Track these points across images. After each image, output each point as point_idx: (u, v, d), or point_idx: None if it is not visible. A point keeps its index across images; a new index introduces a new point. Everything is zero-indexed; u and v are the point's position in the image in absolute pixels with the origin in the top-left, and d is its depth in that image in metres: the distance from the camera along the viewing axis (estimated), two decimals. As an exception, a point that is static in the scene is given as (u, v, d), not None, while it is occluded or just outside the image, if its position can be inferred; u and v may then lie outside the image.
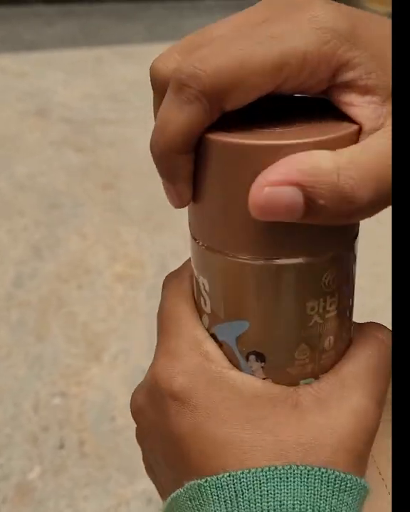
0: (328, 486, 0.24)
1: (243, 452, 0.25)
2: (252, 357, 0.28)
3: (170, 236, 1.84)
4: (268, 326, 0.27)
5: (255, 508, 0.24)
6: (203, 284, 0.28)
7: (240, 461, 0.25)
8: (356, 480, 0.24)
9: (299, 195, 0.21)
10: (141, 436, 0.30)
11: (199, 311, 0.29)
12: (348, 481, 0.24)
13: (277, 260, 0.26)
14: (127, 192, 2.11)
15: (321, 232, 0.26)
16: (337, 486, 0.24)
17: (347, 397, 0.26)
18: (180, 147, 0.24)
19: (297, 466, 0.24)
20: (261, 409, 0.26)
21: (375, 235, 1.87)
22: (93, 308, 1.56)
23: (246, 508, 0.24)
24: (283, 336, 0.27)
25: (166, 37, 3.79)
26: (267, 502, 0.24)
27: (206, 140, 0.25)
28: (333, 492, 0.24)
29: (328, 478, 0.24)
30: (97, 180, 2.17)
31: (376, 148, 0.22)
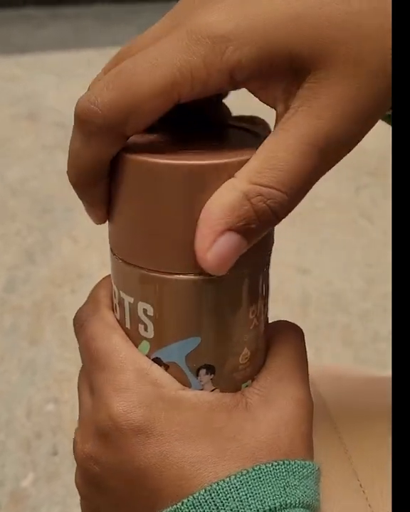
0: (294, 475, 0.26)
1: (215, 465, 0.26)
2: (202, 371, 0.28)
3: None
4: (219, 337, 0.28)
5: None
6: (144, 309, 0.28)
7: (214, 473, 0.25)
8: (312, 464, 0.27)
9: (232, 235, 0.23)
10: (89, 485, 0.29)
11: (134, 339, 0.29)
12: (308, 467, 0.26)
13: (228, 273, 0.26)
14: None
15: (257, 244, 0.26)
16: (299, 473, 0.26)
17: (286, 389, 0.28)
18: (90, 179, 0.26)
19: (265, 464, 0.26)
20: (219, 420, 0.27)
21: (367, 236, 1.88)
22: (86, 313, 1.55)
23: None
24: (232, 344, 0.28)
25: (158, 40, 3.78)
26: (249, 505, 0.25)
27: (122, 158, 0.25)
28: (300, 480, 0.26)
29: (292, 468, 0.26)
30: (89, 184, 2.16)
31: (269, 144, 0.23)
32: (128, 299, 0.28)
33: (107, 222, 0.29)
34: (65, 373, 1.37)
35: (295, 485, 0.26)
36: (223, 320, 0.28)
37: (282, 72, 0.23)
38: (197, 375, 0.28)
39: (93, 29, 4.25)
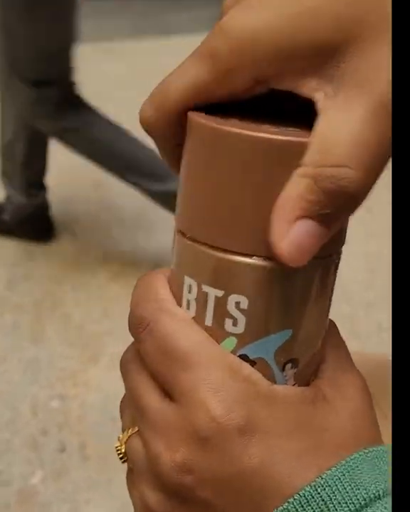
0: (383, 461, 0.26)
1: (316, 457, 0.26)
2: (288, 365, 0.27)
3: (163, 233, 1.83)
4: (309, 330, 0.27)
5: (351, 503, 0.25)
6: (236, 302, 0.26)
7: (317, 466, 0.25)
8: (385, 448, 0.27)
9: (308, 222, 0.23)
10: (173, 499, 0.27)
11: (216, 336, 0.27)
12: (388, 452, 0.27)
13: (323, 259, 0.26)
14: (118, 190, 2.10)
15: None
16: (385, 458, 0.26)
17: (351, 380, 0.28)
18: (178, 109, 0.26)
19: (358, 453, 0.26)
20: (308, 413, 0.27)
21: (367, 226, 1.87)
22: (88, 309, 1.55)
23: (342, 507, 0.25)
24: (317, 336, 0.28)
25: (150, 32, 3.78)
26: (355, 495, 0.25)
27: (218, 131, 0.24)
28: (385, 465, 0.26)
29: (380, 454, 0.26)
30: (87, 179, 2.15)
31: (331, 127, 0.23)
32: (214, 293, 0.27)
33: (189, 206, 0.27)
34: (67, 370, 1.36)
35: (385, 470, 0.26)
36: (315, 310, 0.27)
37: (310, 60, 0.23)
38: (283, 369, 0.27)
39: (85, 23, 4.22)
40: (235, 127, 0.24)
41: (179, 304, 0.28)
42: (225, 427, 0.25)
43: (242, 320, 0.27)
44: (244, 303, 0.26)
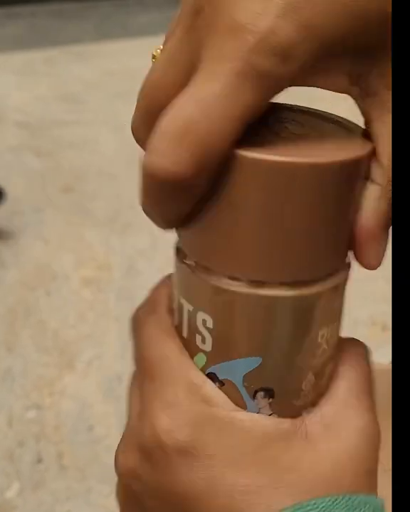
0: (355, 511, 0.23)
1: (268, 497, 0.23)
2: (260, 394, 0.25)
3: (136, 236, 1.81)
4: (282, 360, 0.25)
5: None
6: (203, 320, 0.25)
7: (266, 506, 0.23)
8: (375, 500, 0.24)
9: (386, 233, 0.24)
10: (130, 500, 0.27)
11: (190, 350, 0.26)
12: (371, 503, 0.24)
13: (298, 290, 0.24)
14: (89, 194, 2.08)
15: (336, 250, 0.24)
16: (361, 510, 0.23)
17: (351, 418, 0.25)
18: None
19: (322, 498, 0.23)
20: (276, 448, 0.24)
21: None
22: (62, 315, 1.52)
23: None
24: (295, 369, 0.26)
25: (116, 34, 3.75)
26: None
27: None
28: None
29: (353, 504, 0.23)
30: (57, 184, 2.13)
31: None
32: (187, 306, 0.26)
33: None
34: (44, 378, 1.33)
35: None
36: (291, 342, 0.25)
37: (341, 58, 0.21)
38: (254, 397, 0.25)
39: (51, 27, 4.18)
40: (280, 156, 0.21)
41: (170, 311, 0.28)
42: (165, 444, 0.24)
43: (209, 338, 0.25)
44: (209, 322, 0.25)
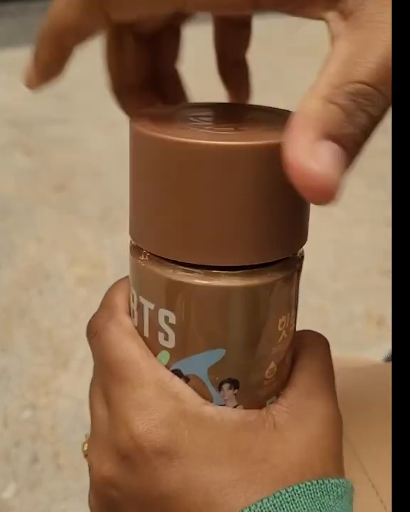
0: (329, 495, 0.24)
1: (245, 489, 0.23)
2: (225, 385, 0.26)
3: (128, 234, 1.80)
4: (245, 351, 0.26)
5: None
6: (165, 317, 0.25)
7: (245, 498, 0.23)
8: (346, 482, 0.25)
9: (330, 144, 0.19)
10: (105, 510, 0.27)
11: (153, 348, 0.26)
12: (341, 485, 0.25)
13: (252, 279, 0.24)
14: (80, 192, 2.07)
15: (289, 236, 0.25)
16: (334, 493, 0.24)
17: (315, 406, 0.26)
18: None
19: (298, 485, 0.24)
20: (246, 440, 0.25)
21: (333, 216, 1.87)
22: (57, 314, 1.52)
23: None
24: (258, 358, 0.26)
25: (107, 31, 3.73)
26: None
27: (149, 138, 0.23)
28: (334, 500, 0.24)
29: (326, 488, 0.24)
30: (48, 183, 2.12)
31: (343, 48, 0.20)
32: (148, 305, 0.26)
33: (131, 212, 0.26)
34: (39, 378, 1.33)
35: (330, 505, 0.24)
36: (251, 332, 0.25)
37: None
38: (219, 389, 0.26)
39: (40, 24, 4.16)
40: (167, 134, 0.23)
41: (129, 312, 0.28)
42: (142, 447, 0.24)
43: (172, 335, 0.25)
44: (172, 318, 0.25)
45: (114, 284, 0.30)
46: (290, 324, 0.27)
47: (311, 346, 0.29)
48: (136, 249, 0.26)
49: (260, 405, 0.27)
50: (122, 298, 0.28)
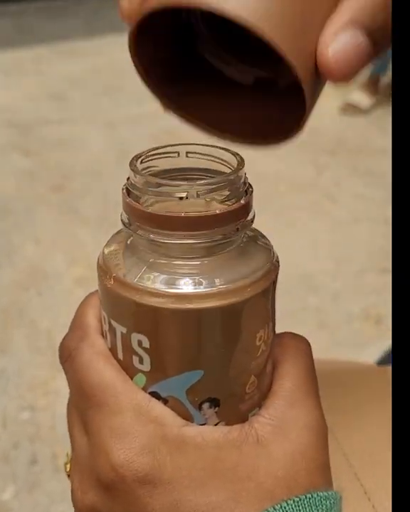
0: (318, 509, 0.24)
1: (232, 510, 0.23)
2: (205, 405, 0.25)
3: (128, 234, 1.79)
4: (224, 369, 0.25)
5: None
6: (138, 340, 0.25)
7: None
8: (334, 494, 0.25)
9: (356, 32, 0.21)
10: None
11: (128, 371, 0.26)
12: (330, 498, 0.24)
13: (232, 296, 0.24)
14: (79, 192, 2.07)
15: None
16: (323, 506, 0.24)
17: (299, 416, 0.25)
18: None
19: (286, 501, 0.23)
20: (230, 459, 0.24)
21: (331, 216, 1.87)
22: (55, 315, 1.52)
23: None
24: (238, 375, 0.26)
25: (105, 30, 3.73)
26: None
27: None
28: None
29: (315, 502, 0.24)
30: (47, 183, 2.11)
31: None
32: (120, 329, 0.25)
33: None
34: (38, 379, 1.33)
35: None
36: (229, 350, 0.25)
37: None
38: (200, 409, 0.26)
39: (38, 25, 4.16)
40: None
41: (102, 332, 0.27)
42: (124, 477, 0.23)
43: (146, 358, 0.25)
44: (145, 342, 0.25)
45: (84, 300, 0.28)
46: (269, 336, 0.26)
47: (292, 351, 0.28)
48: (102, 271, 0.26)
49: (242, 419, 0.26)
50: (93, 316, 0.27)
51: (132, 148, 2.14)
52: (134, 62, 0.25)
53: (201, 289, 0.24)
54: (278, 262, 0.27)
